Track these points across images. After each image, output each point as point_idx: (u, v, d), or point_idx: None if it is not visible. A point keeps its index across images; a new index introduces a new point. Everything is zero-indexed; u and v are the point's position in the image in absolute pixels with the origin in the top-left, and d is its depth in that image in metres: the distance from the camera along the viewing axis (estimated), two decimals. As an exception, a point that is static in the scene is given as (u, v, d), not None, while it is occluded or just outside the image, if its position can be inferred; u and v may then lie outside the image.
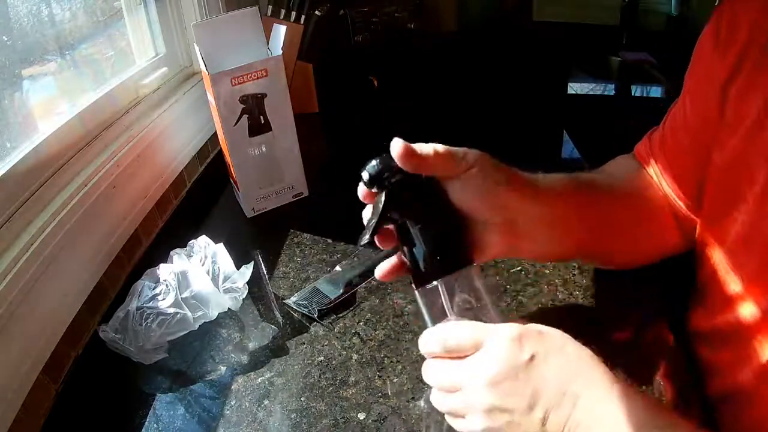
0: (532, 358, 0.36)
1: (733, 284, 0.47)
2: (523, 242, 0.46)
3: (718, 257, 0.49)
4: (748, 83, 0.45)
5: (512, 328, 0.38)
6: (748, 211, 0.44)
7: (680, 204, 0.55)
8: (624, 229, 0.56)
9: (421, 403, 0.52)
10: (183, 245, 0.68)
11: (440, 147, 0.41)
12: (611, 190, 0.56)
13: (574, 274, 0.67)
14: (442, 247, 0.40)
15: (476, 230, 0.44)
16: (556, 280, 0.66)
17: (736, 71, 0.46)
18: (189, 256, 0.66)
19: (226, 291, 0.64)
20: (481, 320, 0.40)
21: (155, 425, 0.53)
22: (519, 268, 0.68)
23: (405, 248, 0.41)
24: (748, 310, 0.45)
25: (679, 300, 0.61)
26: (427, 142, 0.41)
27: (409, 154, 0.39)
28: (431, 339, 0.40)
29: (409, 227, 0.40)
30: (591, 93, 1.48)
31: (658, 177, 0.57)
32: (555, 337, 0.38)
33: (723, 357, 0.50)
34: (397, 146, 0.39)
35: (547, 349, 0.37)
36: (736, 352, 0.47)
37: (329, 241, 0.77)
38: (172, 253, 0.66)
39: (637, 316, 0.61)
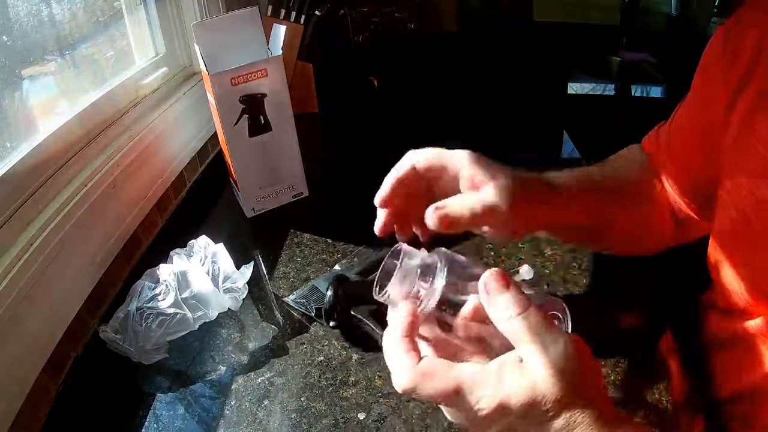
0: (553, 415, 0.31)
1: (748, 288, 0.47)
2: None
3: (732, 262, 0.49)
4: (755, 101, 0.44)
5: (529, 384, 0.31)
6: (763, 220, 0.44)
7: (680, 202, 0.56)
8: (624, 225, 0.56)
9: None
10: (183, 245, 0.68)
11: (476, 208, 0.40)
12: (616, 188, 0.56)
13: (574, 275, 0.67)
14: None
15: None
16: (556, 280, 0.66)
17: (742, 89, 0.46)
18: (189, 256, 0.66)
19: (226, 291, 0.64)
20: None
21: (155, 425, 0.53)
22: (520, 268, 0.68)
23: None
24: (762, 313, 0.45)
25: (688, 301, 0.61)
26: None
27: (453, 224, 0.39)
28: (398, 380, 0.34)
29: None
30: (591, 93, 1.47)
31: (662, 172, 0.57)
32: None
33: (735, 358, 0.50)
34: (433, 220, 0.38)
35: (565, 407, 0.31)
36: (749, 353, 0.47)
37: (329, 241, 0.77)
38: (172, 253, 0.66)
39: (639, 318, 0.61)
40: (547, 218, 0.47)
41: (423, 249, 0.37)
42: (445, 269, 0.35)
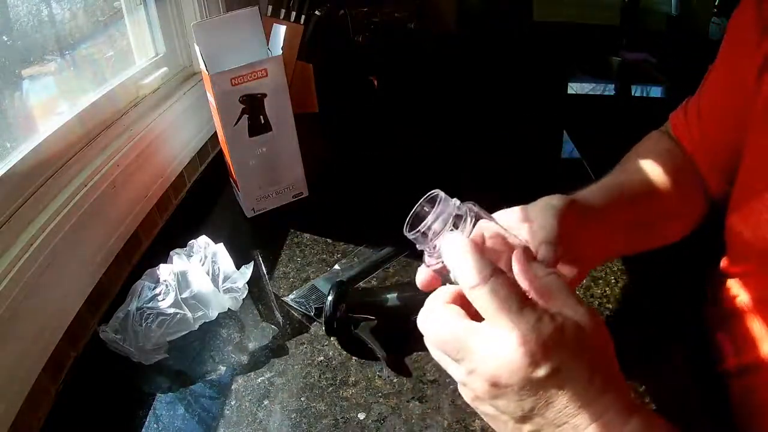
0: (553, 373, 0.30)
1: (761, 260, 0.46)
2: (582, 262, 0.48)
3: (747, 235, 0.48)
4: None
5: (531, 338, 0.30)
6: None
7: (709, 174, 0.55)
8: (663, 221, 0.55)
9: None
10: (183, 245, 0.68)
11: (552, 251, 0.42)
12: (647, 188, 0.55)
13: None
14: None
15: None
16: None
17: None
18: (189, 256, 0.66)
19: (226, 291, 0.64)
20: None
21: (155, 425, 0.53)
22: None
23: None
24: None
25: (695, 281, 0.61)
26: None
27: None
28: (424, 324, 0.35)
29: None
30: (591, 93, 1.48)
31: (694, 151, 0.57)
32: (583, 360, 0.31)
33: (743, 333, 0.49)
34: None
35: (571, 368, 0.30)
36: (760, 327, 0.47)
37: (329, 241, 0.77)
38: (172, 253, 0.66)
39: (640, 318, 0.61)
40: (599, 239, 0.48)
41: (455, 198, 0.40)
42: (475, 218, 0.39)
